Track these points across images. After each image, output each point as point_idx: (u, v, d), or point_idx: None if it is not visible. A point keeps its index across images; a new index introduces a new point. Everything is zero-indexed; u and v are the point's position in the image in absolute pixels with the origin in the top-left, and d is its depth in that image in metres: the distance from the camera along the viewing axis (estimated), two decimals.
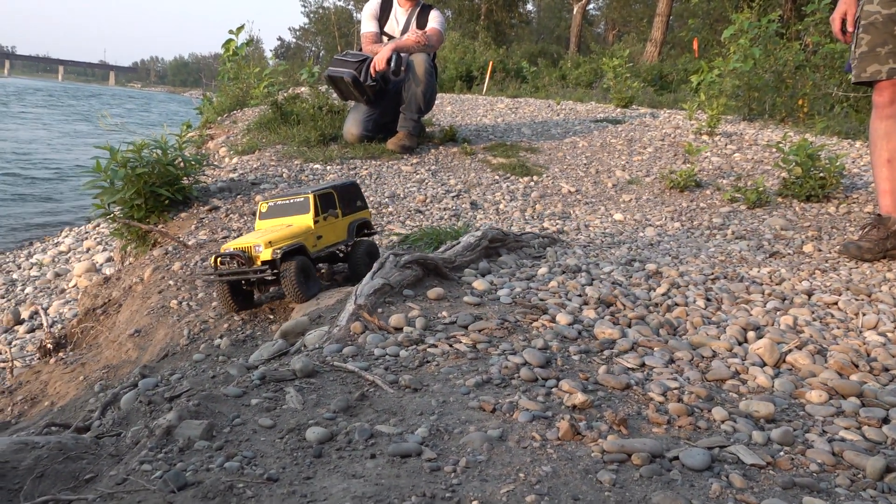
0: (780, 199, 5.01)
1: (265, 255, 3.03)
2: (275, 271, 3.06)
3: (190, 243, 4.09)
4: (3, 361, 5.18)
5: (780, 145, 5.29)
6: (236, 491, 1.27)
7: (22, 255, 11.08)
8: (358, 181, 5.76)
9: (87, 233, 11.34)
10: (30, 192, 13.43)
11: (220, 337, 2.89)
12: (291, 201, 3.35)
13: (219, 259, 3.12)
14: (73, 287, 8.41)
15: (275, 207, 3.38)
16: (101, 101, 48.16)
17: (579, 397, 1.75)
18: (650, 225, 4.56)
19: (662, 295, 2.84)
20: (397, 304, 2.57)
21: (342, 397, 1.73)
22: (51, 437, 1.69)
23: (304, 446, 1.49)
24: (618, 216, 4.80)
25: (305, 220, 3.30)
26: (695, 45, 14.10)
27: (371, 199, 5.07)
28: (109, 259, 8.67)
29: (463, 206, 5.14)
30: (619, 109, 10.43)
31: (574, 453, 1.50)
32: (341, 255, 3.62)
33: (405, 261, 2.82)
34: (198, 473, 1.36)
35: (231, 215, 4.73)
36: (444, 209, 5.01)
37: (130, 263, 4.34)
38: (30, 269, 9.88)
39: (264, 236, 3.12)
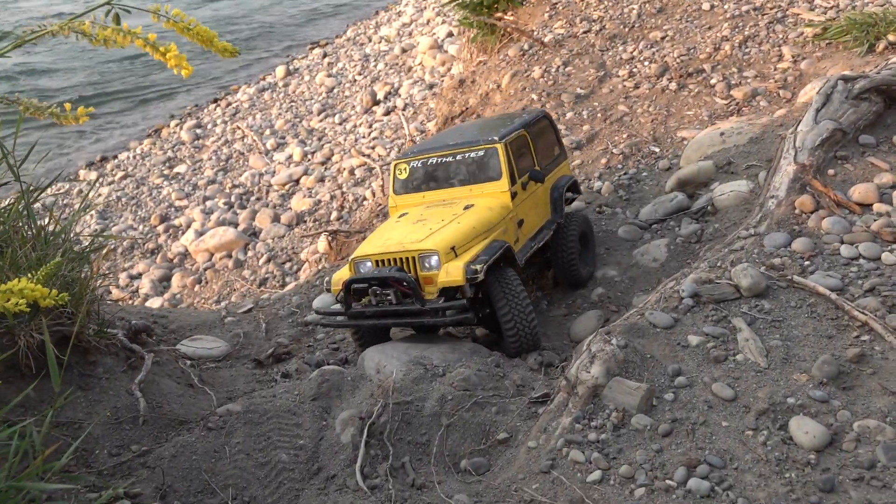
0: None
1: (452, 275, 1.57)
2: (475, 305, 1.66)
3: (546, 40, 3.58)
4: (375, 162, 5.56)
5: None
6: None
7: (371, 26, 11.66)
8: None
9: (424, 1, 11.44)
10: None
11: (600, 178, 2.46)
12: (459, 157, 1.74)
13: (354, 289, 1.73)
14: (419, 65, 8.62)
15: (424, 169, 1.80)
16: None
17: None
18: None
19: None
20: (853, 159, 1.84)
21: (826, 358, 1.21)
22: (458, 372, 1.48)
23: (800, 461, 1.04)
24: None
25: (496, 194, 1.72)
26: None
27: None
28: (449, 34, 8.63)
29: None
30: None
31: None
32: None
33: (860, 88, 2.01)
34: (652, 494, 1.01)
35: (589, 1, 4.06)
36: None
37: (484, 63, 4.02)
38: (378, 42, 10.36)
39: (436, 233, 1.63)
